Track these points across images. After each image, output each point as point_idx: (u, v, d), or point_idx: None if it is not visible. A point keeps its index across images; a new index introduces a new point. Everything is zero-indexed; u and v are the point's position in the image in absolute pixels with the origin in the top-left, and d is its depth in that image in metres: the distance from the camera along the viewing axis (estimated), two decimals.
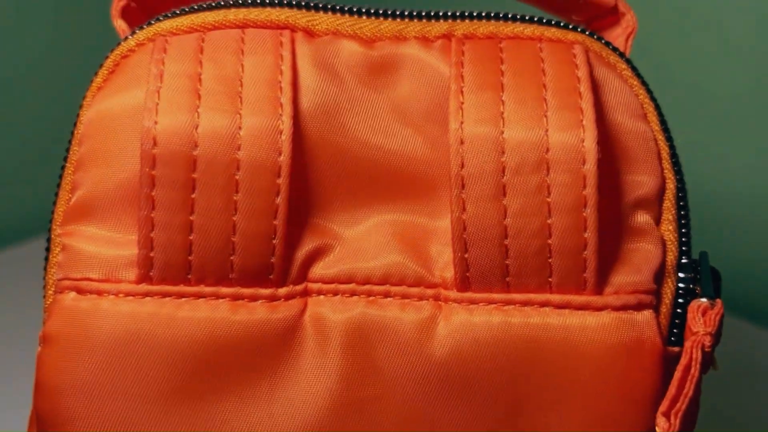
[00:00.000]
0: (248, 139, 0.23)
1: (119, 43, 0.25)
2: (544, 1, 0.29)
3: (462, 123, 0.23)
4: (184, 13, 0.25)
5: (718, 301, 0.24)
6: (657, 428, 0.22)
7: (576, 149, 0.23)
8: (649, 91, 0.26)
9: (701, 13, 0.50)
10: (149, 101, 0.23)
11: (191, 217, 0.23)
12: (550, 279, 0.23)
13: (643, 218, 0.25)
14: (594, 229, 0.23)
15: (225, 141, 0.23)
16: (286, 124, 0.23)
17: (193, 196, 0.23)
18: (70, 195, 0.24)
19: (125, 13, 0.28)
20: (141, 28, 0.25)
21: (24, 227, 0.57)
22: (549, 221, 0.23)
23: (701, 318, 0.23)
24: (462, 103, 0.24)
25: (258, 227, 0.23)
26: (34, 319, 0.40)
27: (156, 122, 0.23)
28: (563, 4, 0.29)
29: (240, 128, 0.23)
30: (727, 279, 0.26)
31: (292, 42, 0.25)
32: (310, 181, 0.24)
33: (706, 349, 0.23)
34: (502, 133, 0.23)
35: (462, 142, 0.23)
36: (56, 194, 0.25)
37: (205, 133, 0.23)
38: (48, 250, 0.25)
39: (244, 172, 0.23)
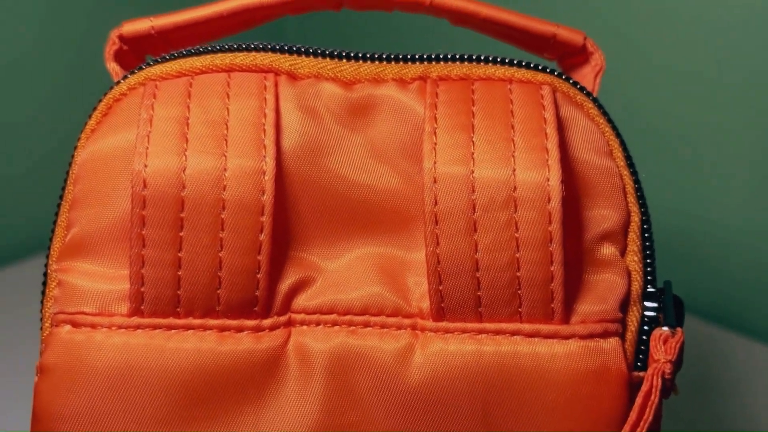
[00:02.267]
0: (233, 179, 0.24)
1: (112, 87, 0.26)
2: (517, 40, 0.30)
3: (435, 163, 0.25)
4: (173, 58, 0.27)
5: (679, 330, 0.25)
6: None
7: (541, 188, 0.24)
8: (614, 128, 0.27)
9: (666, 47, 0.52)
10: (140, 146, 0.24)
11: (180, 254, 0.24)
12: (519, 309, 0.25)
13: (608, 250, 0.26)
14: (560, 262, 0.24)
15: (211, 182, 0.24)
16: (269, 165, 0.25)
17: (181, 234, 0.24)
18: (65, 232, 0.26)
19: (118, 56, 0.29)
20: (132, 72, 0.27)
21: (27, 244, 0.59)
22: (518, 255, 0.24)
23: (662, 346, 0.25)
24: (435, 143, 0.25)
25: (243, 263, 0.24)
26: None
27: (146, 165, 0.24)
28: (535, 43, 0.30)
29: (225, 170, 0.24)
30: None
31: (276, 85, 0.26)
32: (293, 217, 0.26)
33: (667, 377, 0.24)
34: (473, 172, 0.24)
35: (435, 181, 0.25)
36: (52, 231, 0.26)
37: (192, 175, 0.24)
38: (45, 284, 0.26)
39: (229, 211, 0.24)
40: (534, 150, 0.25)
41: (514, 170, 0.24)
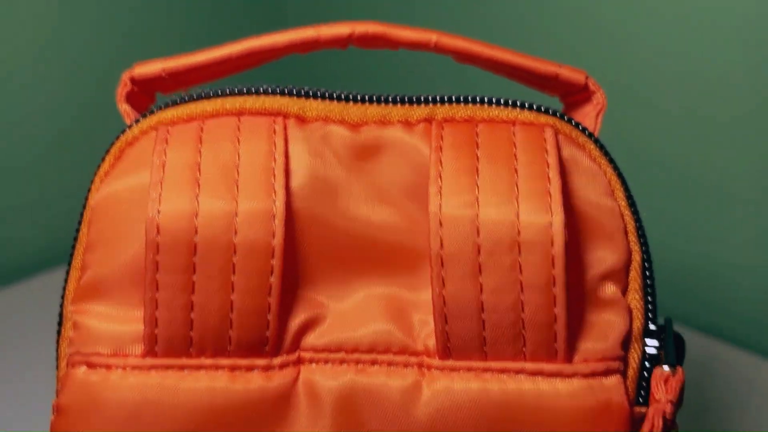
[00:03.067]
0: (244, 224, 0.25)
1: (124, 131, 0.27)
2: (520, 78, 0.31)
3: (441, 206, 0.25)
4: (183, 102, 0.27)
5: (679, 368, 0.26)
6: None
7: (545, 232, 0.25)
8: (616, 168, 0.28)
9: (668, 85, 0.53)
10: (153, 192, 0.25)
11: (192, 297, 0.25)
12: (524, 349, 0.25)
13: (610, 289, 0.27)
14: (563, 305, 0.25)
15: (223, 227, 0.25)
16: (278, 209, 0.25)
17: (194, 278, 0.25)
18: (80, 274, 0.26)
19: (130, 97, 0.30)
20: (144, 116, 0.27)
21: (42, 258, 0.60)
22: (522, 297, 0.25)
23: (663, 386, 0.25)
24: (441, 187, 0.26)
25: (253, 304, 0.25)
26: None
27: (159, 211, 0.25)
28: (538, 82, 0.31)
29: (236, 214, 0.25)
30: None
31: (285, 129, 0.27)
32: (302, 257, 0.26)
33: (668, 417, 0.25)
34: (478, 216, 0.25)
35: (441, 224, 0.25)
36: (67, 272, 0.27)
37: (205, 220, 0.25)
38: (60, 324, 0.27)
39: (240, 255, 0.25)
40: (537, 194, 0.25)
41: (518, 214, 0.25)
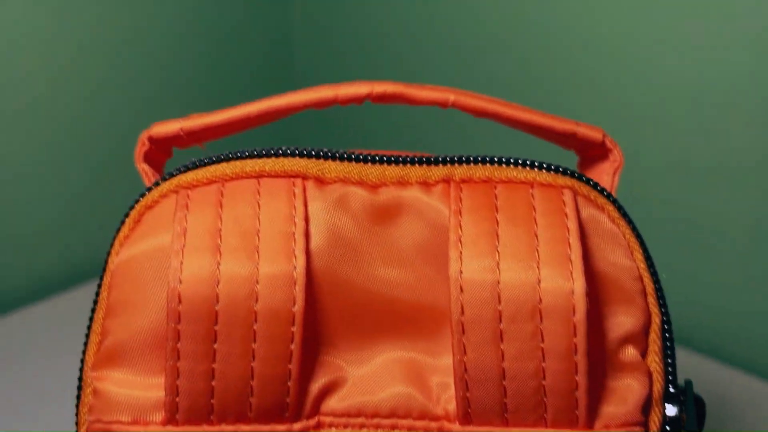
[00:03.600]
0: (265, 291, 0.25)
1: (143, 194, 0.27)
2: (537, 134, 0.31)
3: (461, 272, 0.25)
4: (203, 164, 0.27)
5: None
6: None
7: (566, 300, 0.25)
8: (635, 230, 0.28)
9: (680, 137, 0.53)
10: (174, 260, 0.25)
11: (213, 365, 0.25)
12: (545, 415, 0.25)
13: (630, 353, 0.26)
14: (584, 372, 0.25)
15: (244, 295, 0.25)
16: (299, 274, 0.25)
17: (215, 346, 0.25)
18: (100, 338, 0.26)
19: (147, 156, 0.30)
20: (164, 178, 0.27)
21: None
22: (543, 365, 0.25)
23: None
24: (461, 253, 0.26)
25: (274, 371, 0.25)
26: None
27: (180, 281, 0.25)
28: (555, 138, 0.31)
29: (257, 282, 0.25)
30: None
31: (304, 191, 0.27)
32: (321, 320, 0.26)
33: None
34: (499, 282, 0.25)
35: (462, 290, 0.25)
36: (87, 335, 0.27)
37: (226, 288, 0.25)
38: (80, 389, 0.27)
39: (261, 322, 0.25)
40: (558, 260, 0.25)
41: (539, 281, 0.25)
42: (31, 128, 0.56)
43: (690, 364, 0.52)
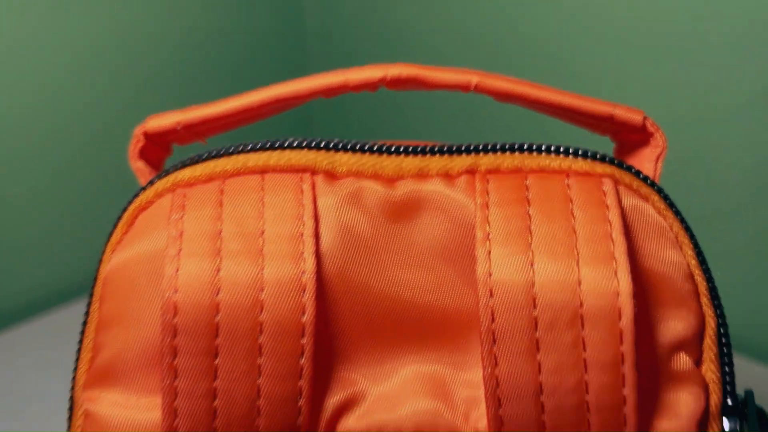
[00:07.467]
0: (270, 300, 0.22)
1: (137, 194, 0.25)
2: (569, 117, 0.28)
3: (490, 274, 0.23)
4: (202, 160, 0.25)
5: None
6: None
7: (611, 303, 0.22)
8: (683, 222, 0.25)
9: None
10: (169, 267, 0.22)
11: (215, 383, 0.22)
12: None
13: (682, 361, 0.24)
14: (632, 385, 0.22)
15: (247, 304, 0.22)
16: (309, 280, 0.22)
17: (216, 362, 0.22)
18: (92, 355, 0.24)
19: (144, 153, 0.27)
20: (159, 177, 0.25)
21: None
22: (586, 378, 0.22)
23: None
24: (489, 252, 0.23)
25: (283, 390, 0.22)
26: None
27: (176, 289, 0.22)
28: (589, 122, 0.28)
29: (262, 290, 0.22)
30: None
31: (313, 187, 0.24)
32: (334, 331, 0.24)
33: None
34: (533, 284, 0.22)
35: (491, 294, 0.22)
36: (78, 352, 0.24)
37: (227, 298, 0.22)
38: (71, 409, 0.24)
39: (267, 335, 0.22)
40: (600, 259, 0.22)
41: (580, 282, 0.22)
42: (25, 135, 0.54)
43: (751, 373, 0.48)
